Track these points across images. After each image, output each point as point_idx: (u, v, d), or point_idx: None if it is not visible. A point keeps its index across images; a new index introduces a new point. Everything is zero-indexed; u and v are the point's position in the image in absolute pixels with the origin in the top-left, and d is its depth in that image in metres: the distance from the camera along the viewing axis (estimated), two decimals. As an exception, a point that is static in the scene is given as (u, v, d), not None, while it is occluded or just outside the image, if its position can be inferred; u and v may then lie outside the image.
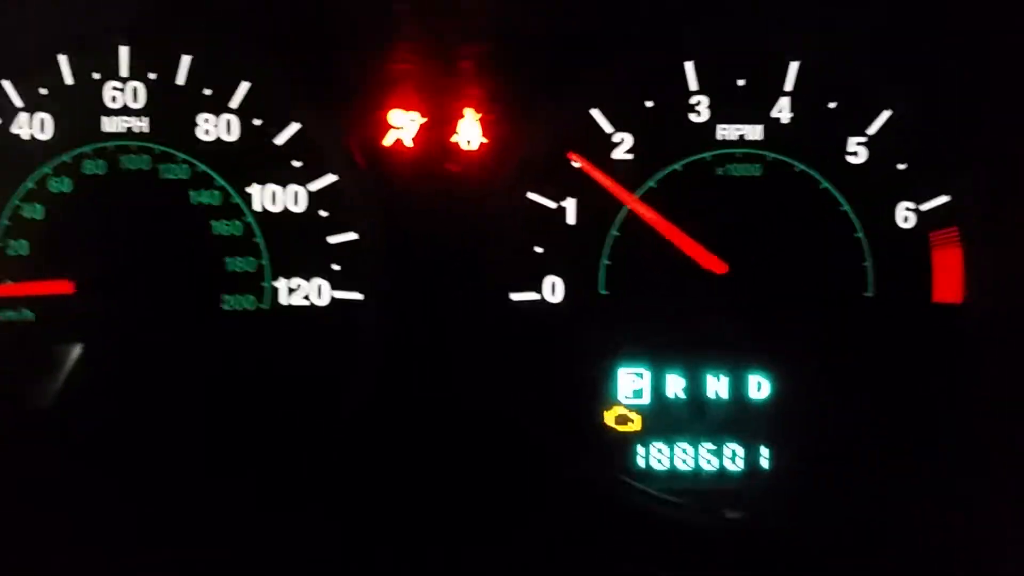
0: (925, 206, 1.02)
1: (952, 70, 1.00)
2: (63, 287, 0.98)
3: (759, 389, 1.03)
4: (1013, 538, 1.00)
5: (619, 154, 1.01)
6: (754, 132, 1.01)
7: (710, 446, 1.04)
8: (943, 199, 1.02)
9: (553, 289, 1.02)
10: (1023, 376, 1.00)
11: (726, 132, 1.01)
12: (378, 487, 1.00)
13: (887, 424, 1.03)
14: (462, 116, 1.00)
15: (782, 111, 1.01)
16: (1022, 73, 0.99)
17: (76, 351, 1.00)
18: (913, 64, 1.00)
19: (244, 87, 1.00)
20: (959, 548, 0.99)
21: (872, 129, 1.01)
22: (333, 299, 1.01)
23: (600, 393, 1.04)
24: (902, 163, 1.02)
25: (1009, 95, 0.99)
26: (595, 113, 1.01)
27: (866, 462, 1.03)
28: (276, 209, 1.01)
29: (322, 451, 1.01)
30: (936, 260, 1.02)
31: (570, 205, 1.02)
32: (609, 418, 1.04)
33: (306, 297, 1.01)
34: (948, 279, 1.02)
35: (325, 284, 1.01)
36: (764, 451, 1.04)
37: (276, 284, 1.01)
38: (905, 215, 1.02)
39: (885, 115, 1.01)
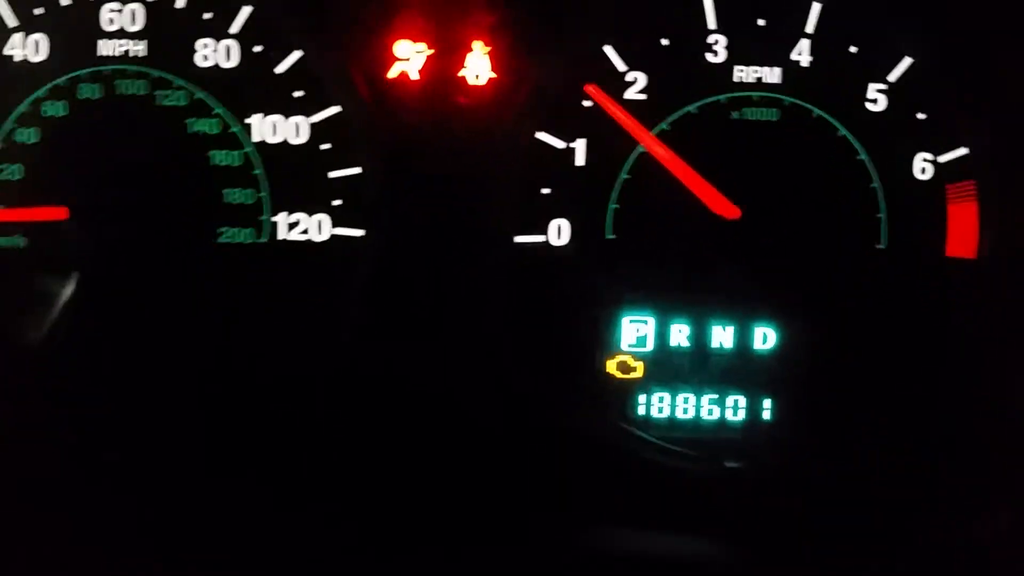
0: (943, 158, 1.00)
1: (976, 20, 0.97)
2: (57, 213, 0.96)
3: (765, 340, 1.02)
4: (1018, 491, 1.00)
5: (632, 94, 0.98)
6: (772, 75, 0.98)
7: (712, 396, 1.03)
8: (961, 151, 0.99)
9: (559, 232, 1.00)
10: None
11: (743, 74, 0.98)
12: (373, 430, 0.99)
13: (893, 379, 1.02)
14: (470, 49, 0.97)
15: (802, 54, 0.98)
16: None
17: (69, 279, 0.98)
18: (936, 11, 0.97)
19: (245, 11, 0.97)
20: (962, 503, 0.99)
21: (893, 76, 0.99)
22: (333, 235, 0.99)
23: (603, 340, 1.03)
24: (922, 113, 0.99)
25: None
26: (608, 50, 0.98)
27: (870, 417, 1.03)
28: (276, 140, 0.98)
29: (317, 389, 0.99)
30: (951, 214, 1.00)
31: (579, 146, 0.99)
32: (611, 365, 1.03)
33: (305, 232, 0.99)
34: (963, 233, 1.00)
35: (326, 219, 0.99)
36: (767, 402, 1.03)
37: (275, 218, 0.99)
38: (923, 166, 1.00)
39: (906, 62, 0.98)
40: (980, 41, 0.97)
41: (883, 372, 1.02)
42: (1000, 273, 1.00)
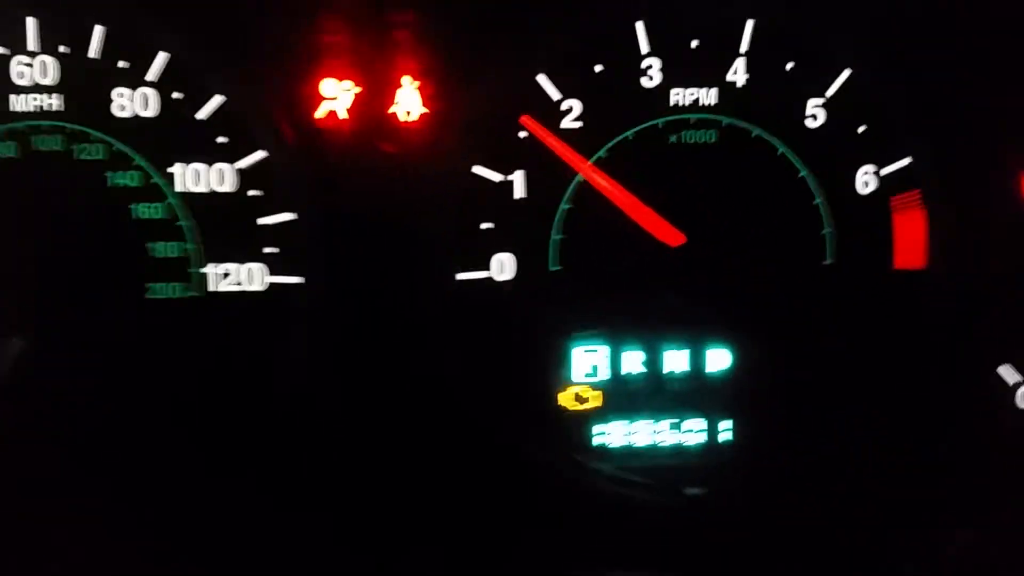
0: (886, 169, 0.99)
1: (911, 27, 0.96)
2: (-23, 279, 0.92)
3: (719, 362, 1.01)
4: (975, 506, 1.00)
5: (567, 123, 0.97)
6: (708, 96, 0.97)
7: (670, 421, 1.02)
8: (904, 161, 0.99)
9: (502, 267, 0.98)
10: (987, 343, 1.00)
11: (679, 97, 0.97)
12: (318, 480, 0.97)
13: (848, 394, 1.02)
14: (400, 85, 0.94)
15: (737, 73, 0.97)
16: (983, 30, 0.96)
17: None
18: (871, 21, 0.96)
19: (162, 58, 0.93)
20: (923, 520, 0.99)
21: (831, 91, 0.97)
22: (270, 284, 0.96)
23: (555, 372, 1.01)
24: (862, 125, 0.99)
25: (970, 51, 0.96)
26: (542, 79, 0.96)
27: (827, 434, 1.02)
28: (201, 189, 0.95)
29: (259, 443, 0.97)
30: (897, 225, 1.00)
31: (517, 178, 0.97)
32: (565, 397, 1.02)
33: (238, 283, 0.96)
34: (910, 244, 1.00)
35: (259, 268, 0.96)
36: (725, 424, 1.02)
37: (205, 270, 0.96)
38: (865, 179, 0.99)
39: (844, 75, 0.97)
40: (916, 48, 0.96)
41: (837, 388, 1.02)
42: (950, 282, 1.00)
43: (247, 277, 0.96)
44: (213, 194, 0.95)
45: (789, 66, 0.97)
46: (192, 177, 0.95)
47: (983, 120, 0.97)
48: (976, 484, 0.99)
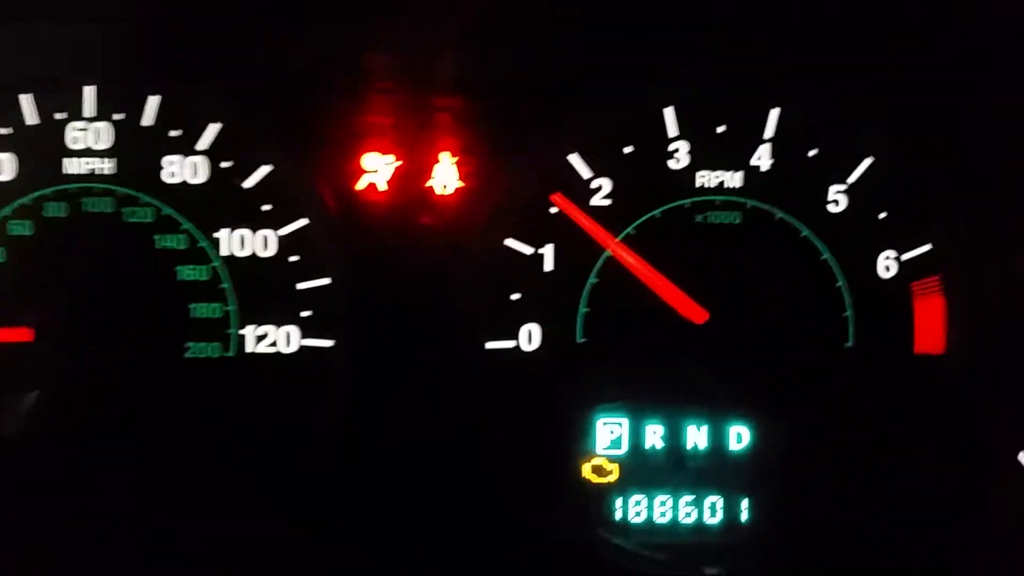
0: (907, 255, 1.01)
1: (934, 117, 0.99)
2: (22, 335, 0.95)
3: (739, 439, 1.02)
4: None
5: (597, 200, 1.00)
6: (734, 179, 0.99)
7: (689, 498, 1.02)
8: (925, 248, 1.00)
9: (530, 337, 1.00)
10: (1007, 430, 1.00)
11: (705, 179, 0.99)
12: (346, 543, 0.97)
13: (869, 476, 1.02)
14: (438, 161, 0.98)
15: (762, 158, 1.00)
16: (1004, 121, 0.99)
17: (37, 400, 0.96)
18: (892, 111, 0.99)
19: (213, 129, 0.97)
20: None
21: (853, 177, 1.00)
22: (302, 346, 0.98)
23: (577, 443, 1.02)
24: (883, 212, 1.00)
25: (991, 142, 0.99)
26: (573, 159, 0.99)
27: (849, 515, 1.02)
28: (244, 254, 0.98)
29: (289, 505, 0.97)
30: (918, 310, 1.01)
31: (547, 252, 0.99)
32: (586, 469, 1.02)
33: (273, 344, 0.98)
34: (930, 329, 1.01)
35: (294, 331, 0.98)
36: (744, 503, 1.02)
37: (243, 331, 0.98)
38: (886, 264, 1.01)
39: (866, 163, 1.00)
40: (939, 137, 0.99)
41: (857, 470, 1.02)
42: (968, 368, 1.00)
43: (282, 339, 0.98)
44: (254, 258, 0.98)
45: (812, 153, 1.00)
46: (237, 242, 0.98)
47: (1004, 208, 0.99)
48: (997, 572, 0.98)
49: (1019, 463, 1.01)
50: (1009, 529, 0.99)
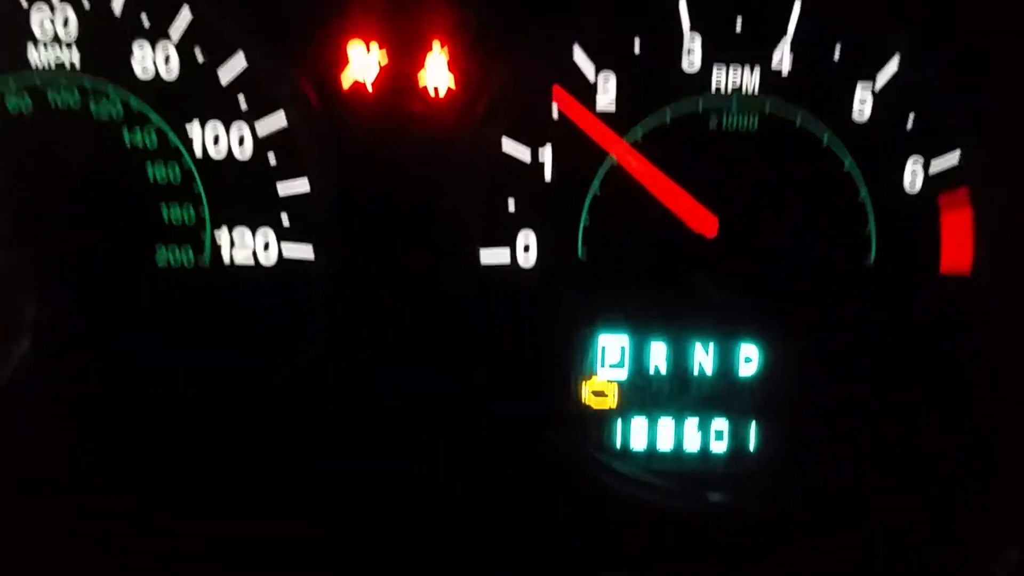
0: (934, 166, 0.94)
1: (966, 15, 0.92)
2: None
3: (748, 362, 0.97)
4: (1012, 518, 0.95)
5: (602, 101, 0.93)
6: (751, 80, 0.93)
7: (694, 423, 0.98)
8: (953, 157, 0.94)
9: (527, 250, 0.95)
10: None
11: (720, 80, 0.93)
12: (324, 473, 0.94)
13: (885, 404, 0.97)
14: (430, 49, 0.91)
15: (783, 57, 0.93)
16: None
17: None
18: (922, 6, 0.92)
19: (186, 17, 0.91)
20: (957, 531, 0.94)
21: (880, 80, 0.93)
22: (281, 257, 0.93)
23: (576, 365, 0.97)
24: (911, 118, 0.94)
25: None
26: (576, 51, 0.92)
27: (861, 444, 0.97)
28: (219, 153, 0.92)
29: (264, 430, 0.93)
30: (945, 226, 0.95)
31: (547, 157, 0.93)
32: (585, 392, 0.98)
33: (253, 254, 0.93)
34: (957, 248, 0.95)
35: (272, 237, 0.93)
36: (752, 429, 0.98)
37: (217, 238, 0.93)
38: (912, 175, 0.95)
39: (893, 65, 0.93)
40: (971, 38, 0.92)
41: (874, 396, 0.97)
42: (998, 290, 0.94)
43: (259, 247, 0.93)
44: (230, 159, 0.92)
45: (837, 52, 0.93)
46: (211, 139, 0.92)
47: None
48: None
49: None
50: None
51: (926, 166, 0.94)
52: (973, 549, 0.92)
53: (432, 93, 0.91)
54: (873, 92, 0.93)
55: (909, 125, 0.94)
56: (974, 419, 0.95)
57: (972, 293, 0.95)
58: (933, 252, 0.95)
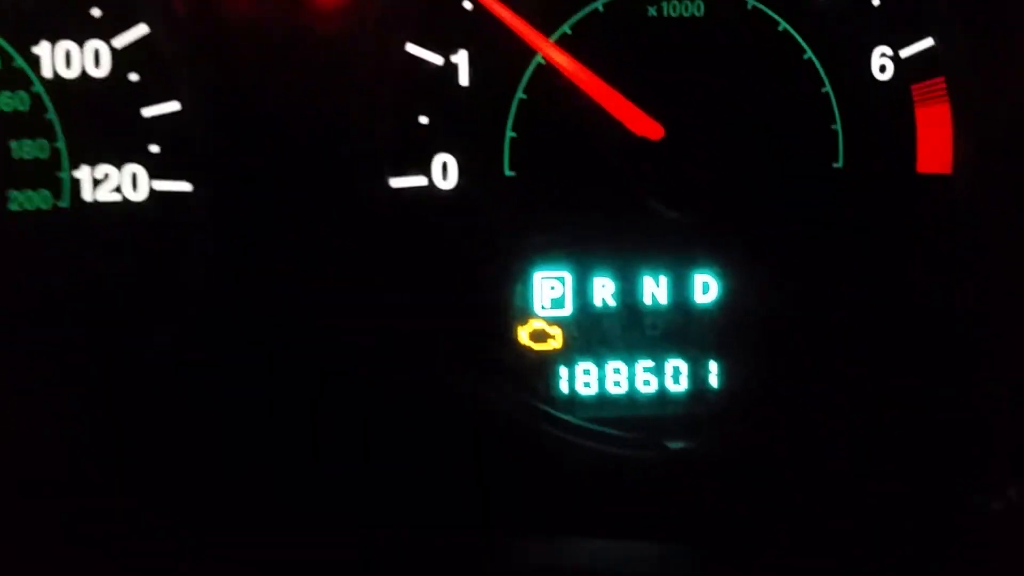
0: (905, 52, 0.88)
1: None
2: None
3: (706, 290, 0.91)
4: (1000, 454, 0.88)
5: None
6: None
7: (648, 364, 0.91)
8: (926, 43, 0.88)
9: (444, 171, 0.86)
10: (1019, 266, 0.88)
11: None
12: (214, 434, 0.83)
13: (862, 327, 0.91)
14: None
15: None
16: None
17: None
18: None
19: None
20: (940, 477, 0.89)
21: None
22: (152, 190, 0.83)
23: (511, 303, 0.89)
24: None
25: None
26: None
27: (837, 375, 0.91)
28: (72, 74, 0.82)
29: (139, 387, 0.83)
30: (920, 120, 0.89)
31: (462, 60, 0.85)
32: (524, 334, 0.89)
33: (117, 189, 0.83)
34: (935, 144, 0.89)
35: (141, 171, 0.83)
36: (713, 366, 0.92)
37: (77, 174, 0.82)
38: (881, 63, 0.88)
39: None
40: None
41: (849, 319, 0.91)
42: (981, 189, 0.88)
43: (127, 182, 0.83)
44: (85, 79, 0.82)
45: None
46: (61, 58, 0.82)
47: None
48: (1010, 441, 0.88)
49: None
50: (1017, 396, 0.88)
51: (895, 54, 0.88)
52: (969, 487, 0.86)
53: None
54: None
55: (876, 5, 0.87)
56: (956, 343, 0.88)
57: (955, 194, 0.89)
58: (908, 150, 0.88)
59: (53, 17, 0.82)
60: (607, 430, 0.90)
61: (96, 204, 0.83)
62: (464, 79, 0.85)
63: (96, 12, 0.82)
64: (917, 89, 0.89)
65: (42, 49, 0.82)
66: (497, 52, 0.85)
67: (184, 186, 0.83)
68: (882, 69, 0.89)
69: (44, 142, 0.82)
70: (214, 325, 0.84)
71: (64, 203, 0.82)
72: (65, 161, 0.82)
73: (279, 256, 0.84)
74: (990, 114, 0.88)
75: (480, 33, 0.84)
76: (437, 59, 0.85)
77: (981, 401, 0.89)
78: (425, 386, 0.87)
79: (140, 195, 0.83)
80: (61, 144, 0.82)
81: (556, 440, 0.89)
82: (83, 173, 0.82)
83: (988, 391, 0.89)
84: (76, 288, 0.83)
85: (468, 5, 0.84)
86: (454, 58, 0.85)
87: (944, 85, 0.89)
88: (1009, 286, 0.88)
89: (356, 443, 0.86)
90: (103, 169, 0.83)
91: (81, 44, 0.82)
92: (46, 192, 0.82)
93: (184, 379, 0.84)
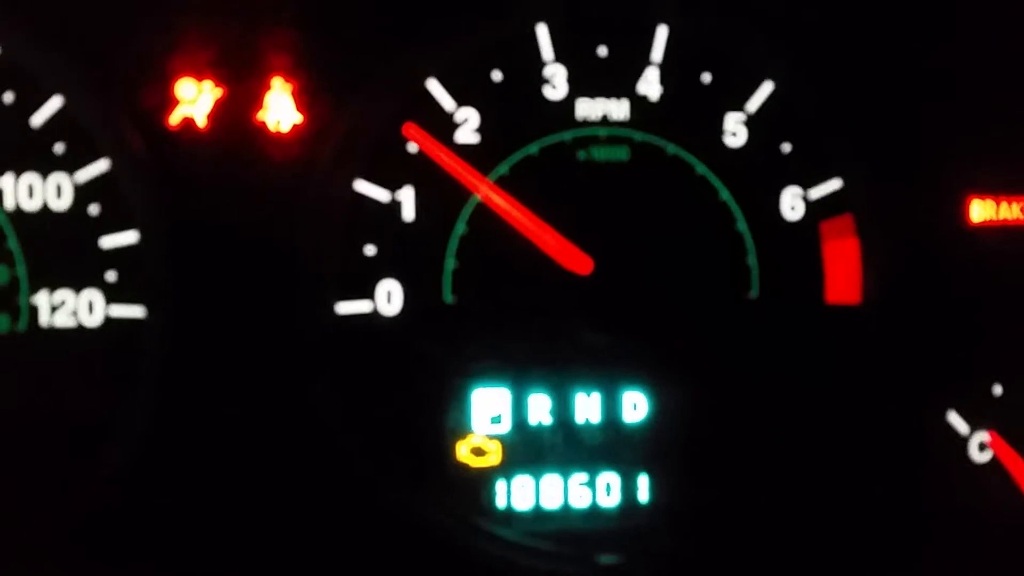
0: (814, 192, 0.92)
1: (838, 35, 0.91)
2: None
3: (635, 408, 0.92)
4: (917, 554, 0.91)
5: (463, 136, 0.88)
6: (619, 110, 0.90)
7: (582, 478, 0.92)
8: (834, 184, 0.92)
9: (389, 298, 0.88)
10: (933, 389, 0.92)
11: (587, 110, 0.89)
12: (158, 556, 0.83)
13: (782, 446, 0.93)
14: (269, 87, 0.84)
15: (650, 86, 0.90)
16: (919, 38, 0.90)
17: None
18: (794, 28, 0.90)
19: (-8, 56, 0.83)
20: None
21: (752, 105, 0.91)
22: (108, 317, 0.84)
23: (451, 421, 0.91)
24: (786, 144, 0.92)
25: (905, 59, 0.91)
26: (432, 85, 0.87)
27: (757, 488, 0.92)
28: (34, 206, 0.83)
29: (89, 510, 0.83)
30: (828, 254, 0.93)
31: (406, 197, 0.88)
32: (463, 450, 0.91)
33: (73, 314, 0.83)
34: (843, 276, 0.93)
35: (98, 298, 0.84)
36: (643, 481, 0.93)
37: (35, 300, 0.83)
38: (792, 203, 0.92)
39: (766, 88, 0.91)
40: (844, 57, 0.91)
41: (768, 438, 0.93)
42: (889, 319, 0.92)
43: (83, 308, 0.83)
44: (46, 211, 0.83)
45: (706, 78, 0.91)
46: (24, 192, 0.83)
47: (922, 137, 0.91)
48: (930, 544, 0.90)
49: (948, 425, 0.93)
50: (942, 501, 0.92)
51: (805, 193, 0.92)
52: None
53: (275, 129, 0.84)
54: (746, 118, 0.91)
55: (786, 151, 0.92)
56: (872, 456, 0.91)
57: (863, 323, 0.92)
58: (818, 282, 0.92)
59: (18, 152, 0.82)
60: (540, 545, 0.90)
61: (52, 330, 0.82)
62: (408, 214, 0.87)
63: (60, 148, 0.83)
64: (826, 226, 0.92)
65: (5, 182, 0.82)
66: (439, 190, 0.87)
67: (138, 311, 0.84)
68: (792, 208, 0.92)
69: (4, 269, 0.82)
70: (161, 447, 0.83)
71: (20, 327, 0.83)
72: (24, 287, 0.82)
73: (227, 378, 0.85)
74: (894, 250, 0.91)
75: (424, 173, 0.87)
76: (383, 195, 0.87)
77: (891, 513, 0.92)
78: (364, 503, 0.87)
79: (95, 320, 0.83)
80: (21, 271, 0.82)
81: (489, 556, 0.89)
82: (41, 299, 0.83)
83: (897, 504, 0.92)
84: (28, 411, 0.82)
85: (413, 148, 0.86)
86: (399, 195, 0.87)
87: (852, 221, 0.92)
88: (912, 406, 0.92)
89: (296, 559, 0.86)
90: (61, 295, 0.83)
91: (44, 177, 0.83)
92: (4, 316, 0.82)
93: (131, 500, 0.83)
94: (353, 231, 0.87)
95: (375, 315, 0.87)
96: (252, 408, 0.84)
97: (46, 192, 0.83)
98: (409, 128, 0.86)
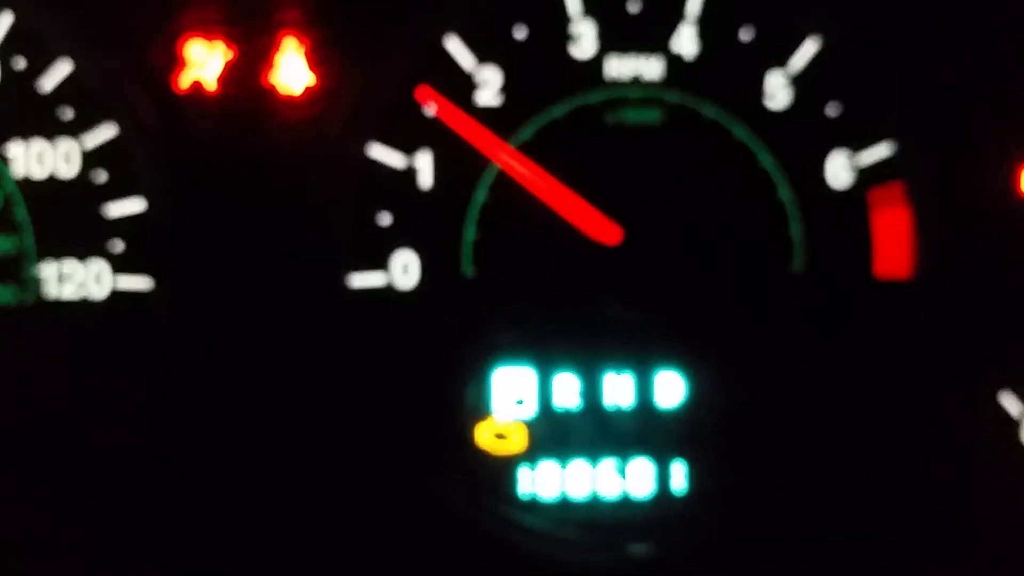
0: (862, 158, 0.88)
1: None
2: None
3: (670, 391, 0.89)
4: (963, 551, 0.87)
5: (484, 98, 0.86)
6: (652, 69, 0.87)
7: (611, 465, 0.89)
8: (884, 149, 0.88)
9: (405, 270, 0.86)
10: (985, 368, 0.87)
11: (617, 69, 0.86)
12: (167, 533, 0.82)
13: (824, 429, 0.89)
14: (280, 49, 0.83)
15: (685, 43, 0.87)
16: None
17: None
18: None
19: (5, 21, 0.82)
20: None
21: (796, 64, 0.87)
22: (115, 289, 0.83)
23: (470, 404, 0.88)
24: (833, 106, 0.88)
25: (962, 18, 0.85)
26: (452, 44, 0.84)
27: (801, 475, 0.88)
28: (42, 174, 0.83)
29: (98, 485, 0.82)
30: (878, 225, 0.88)
31: (424, 163, 0.85)
32: (483, 436, 0.88)
33: (81, 285, 0.83)
34: (893, 249, 0.88)
35: (105, 267, 0.84)
36: (678, 468, 0.90)
37: (42, 270, 0.83)
38: (838, 170, 0.88)
39: (812, 45, 0.87)
40: (896, 13, 0.86)
41: (811, 421, 0.89)
42: (941, 295, 0.87)
43: (90, 280, 0.83)
44: (54, 180, 0.83)
45: (745, 35, 0.87)
46: (34, 159, 0.83)
47: (977, 102, 0.86)
48: (974, 536, 0.85)
49: (1000, 407, 0.87)
50: (990, 486, 0.86)
51: (853, 159, 0.88)
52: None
53: (286, 92, 0.83)
54: (789, 78, 0.87)
55: (832, 114, 0.88)
56: (920, 441, 0.87)
57: (913, 300, 0.87)
58: (866, 255, 0.88)
59: (28, 119, 0.83)
60: (568, 535, 0.87)
61: (59, 302, 0.83)
62: (425, 181, 0.86)
63: (68, 113, 0.82)
64: (875, 194, 0.88)
65: (15, 150, 0.83)
66: (459, 156, 0.85)
67: (146, 282, 0.83)
68: (838, 175, 0.88)
69: (11, 239, 0.83)
70: (172, 421, 0.83)
71: (28, 298, 0.82)
72: (31, 257, 0.83)
73: (237, 353, 0.84)
74: (950, 220, 0.87)
75: (442, 137, 0.85)
76: (398, 162, 0.85)
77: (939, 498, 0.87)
78: (383, 487, 0.85)
79: (103, 291, 0.83)
80: (28, 241, 0.82)
81: (514, 546, 0.87)
82: (48, 269, 0.83)
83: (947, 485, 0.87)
84: (35, 383, 0.82)
85: (430, 112, 0.84)
86: (415, 161, 0.85)
87: (903, 190, 0.88)
88: (963, 387, 0.87)
89: (311, 544, 0.84)
90: (68, 265, 0.83)
91: (53, 144, 0.83)
92: (11, 288, 0.83)
93: (143, 474, 0.83)
94: (367, 199, 0.86)
95: (390, 288, 0.86)
96: (263, 384, 0.83)
97: (55, 160, 0.83)
98: (424, 90, 0.84)
